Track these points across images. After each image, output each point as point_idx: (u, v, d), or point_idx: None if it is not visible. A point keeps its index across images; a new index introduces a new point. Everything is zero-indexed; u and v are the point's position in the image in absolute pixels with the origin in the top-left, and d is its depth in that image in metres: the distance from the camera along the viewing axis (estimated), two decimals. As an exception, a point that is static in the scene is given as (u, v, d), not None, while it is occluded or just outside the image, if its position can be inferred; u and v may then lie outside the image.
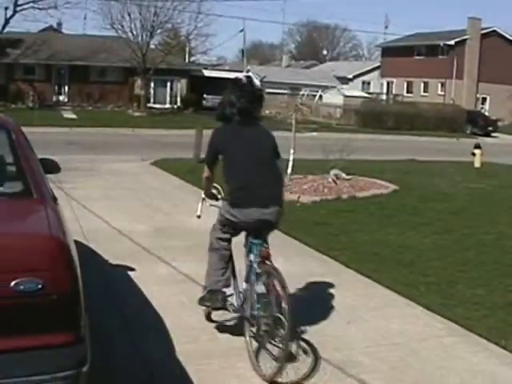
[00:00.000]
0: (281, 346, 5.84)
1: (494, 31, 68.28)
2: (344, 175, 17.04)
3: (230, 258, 7.16)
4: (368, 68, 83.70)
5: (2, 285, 3.93)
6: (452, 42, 66.26)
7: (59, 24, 66.49)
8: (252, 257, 6.64)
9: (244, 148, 6.56)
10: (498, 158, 27.69)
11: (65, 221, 4.96)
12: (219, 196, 7.36)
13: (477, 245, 11.45)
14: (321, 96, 59.71)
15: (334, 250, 10.72)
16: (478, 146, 26.43)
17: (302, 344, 6.49)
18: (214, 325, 7.18)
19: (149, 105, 51.43)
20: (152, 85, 53.55)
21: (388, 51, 76.40)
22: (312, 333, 7.06)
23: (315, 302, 8.12)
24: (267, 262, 6.43)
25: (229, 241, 7.14)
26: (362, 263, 9.93)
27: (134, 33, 50.29)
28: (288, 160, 16.98)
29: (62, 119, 40.50)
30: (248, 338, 6.33)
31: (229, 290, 6.91)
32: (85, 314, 4.34)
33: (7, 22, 47.44)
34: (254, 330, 6.25)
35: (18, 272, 3.98)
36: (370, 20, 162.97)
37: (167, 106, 54.23)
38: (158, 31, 53.25)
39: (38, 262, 4.05)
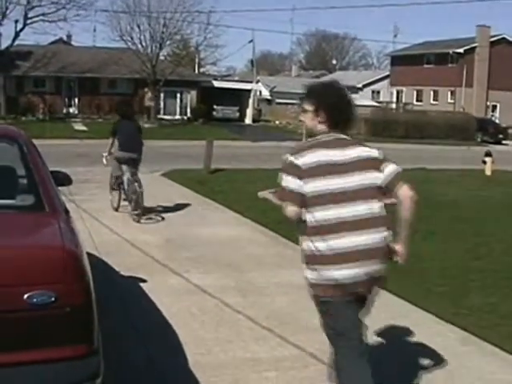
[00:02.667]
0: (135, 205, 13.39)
1: (504, 38, 68.18)
2: (354, 184, 16.99)
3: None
4: (377, 77, 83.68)
5: (15, 298, 3.95)
6: (461, 50, 66.21)
7: (69, 36, 66.88)
8: (128, 174, 13.85)
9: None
10: (509, 165, 27.60)
11: (77, 233, 4.97)
12: None
13: (488, 253, 11.41)
14: (331, 105, 59.72)
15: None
16: (488, 154, 26.35)
17: None
18: (226, 336, 7.17)
19: (159, 116, 51.55)
20: (162, 96, 53.65)
21: (397, 60, 76.38)
22: (325, 342, 7.04)
23: (327, 312, 8.10)
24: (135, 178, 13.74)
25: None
26: (374, 273, 9.89)
27: (144, 44, 50.57)
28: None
29: (73, 131, 40.61)
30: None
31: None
32: (98, 327, 4.34)
33: (17, 34, 47.69)
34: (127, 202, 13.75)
35: (31, 285, 3.99)
36: (379, 29, 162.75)
37: (177, 117, 54.31)
38: (168, 42, 53.55)
39: (50, 275, 4.06)
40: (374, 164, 4.90)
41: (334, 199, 4.69)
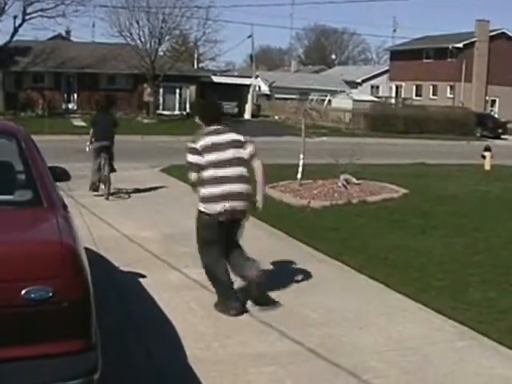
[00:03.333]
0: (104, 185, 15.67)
1: (503, 33, 68.17)
2: (354, 180, 16.99)
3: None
4: (377, 72, 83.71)
5: (12, 293, 3.95)
6: (460, 45, 66.17)
7: (68, 32, 66.70)
8: (102, 159, 15.80)
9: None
10: (508, 160, 27.58)
11: (75, 229, 4.96)
12: None
13: (488, 248, 11.40)
14: (330, 100, 59.70)
15: (344, 254, 10.70)
16: (487, 149, 26.33)
17: None
18: (225, 331, 7.17)
19: (158, 111, 51.51)
20: (161, 91, 53.60)
21: (396, 55, 76.35)
22: (324, 337, 7.05)
23: (327, 308, 8.11)
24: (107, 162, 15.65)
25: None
26: (373, 268, 9.91)
27: (143, 40, 50.49)
28: (298, 165, 16.97)
29: (72, 127, 40.54)
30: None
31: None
32: (95, 322, 4.34)
33: (16, 30, 47.64)
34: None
35: (28, 280, 3.99)
36: (378, 24, 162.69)
37: (176, 112, 54.26)
38: (167, 38, 53.51)
39: (48, 270, 4.06)
40: (240, 144, 7.97)
41: (219, 164, 7.70)
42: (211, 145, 7.78)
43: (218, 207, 7.65)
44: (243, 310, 7.83)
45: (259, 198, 8.06)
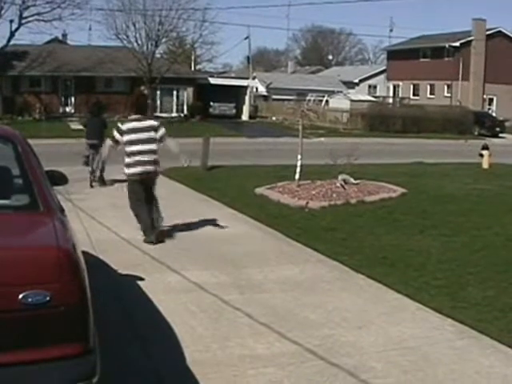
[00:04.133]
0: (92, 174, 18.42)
1: (499, 32, 68.15)
2: (352, 180, 17.00)
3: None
4: (374, 72, 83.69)
5: (10, 298, 3.94)
6: (457, 44, 66.17)
7: (64, 35, 66.63)
8: (91, 154, 18.51)
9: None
10: (506, 158, 27.58)
11: (72, 232, 4.96)
12: None
13: (486, 246, 11.40)
14: (327, 101, 59.67)
15: (343, 254, 10.70)
16: (485, 147, 26.36)
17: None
18: (223, 333, 7.17)
19: (155, 114, 51.42)
20: (158, 94, 53.58)
21: (393, 54, 76.34)
22: (323, 338, 7.05)
23: (326, 308, 8.11)
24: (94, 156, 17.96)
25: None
26: (372, 267, 9.91)
27: (139, 42, 50.47)
28: (296, 166, 16.97)
29: (69, 130, 40.53)
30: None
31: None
32: (93, 326, 4.33)
33: (12, 34, 47.58)
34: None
35: (25, 285, 3.98)
36: (374, 24, 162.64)
37: (174, 114, 54.19)
38: (163, 40, 53.44)
39: (45, 275, 4.05)
40: (154, 128, 11.45)
41: (136, 142, 11.23)
42: (132, 128, 11.41)
43: (135, 170, 11.35)
44: (155, 242, 11.36)
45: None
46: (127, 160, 11.34)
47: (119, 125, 11.56)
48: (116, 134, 11.45)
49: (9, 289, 3.96)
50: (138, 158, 11.24)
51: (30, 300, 3.96)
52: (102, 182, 18.64)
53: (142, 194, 11.51)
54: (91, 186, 18.34)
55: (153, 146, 11.45)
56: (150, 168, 11.42)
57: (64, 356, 4.04)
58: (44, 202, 5.04)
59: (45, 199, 5.09)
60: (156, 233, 11.55)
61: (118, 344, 6.64)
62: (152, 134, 11.42)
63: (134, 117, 11.60)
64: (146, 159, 11.31)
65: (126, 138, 11.30)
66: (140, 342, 6.91)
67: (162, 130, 11.53)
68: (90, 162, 18.72)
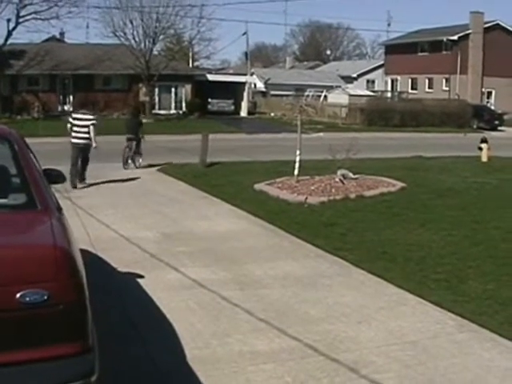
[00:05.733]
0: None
1: (497, 24, 68.06)
2: (351, 174, 16.99)
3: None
4: (372, 66, 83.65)
5: (7, 297, 3.93)
6: (455, 37, 66.09)
7: (62, 34, 66.47)
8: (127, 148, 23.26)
9: None
10: (505, 151, 27.55)
11: (70, 231, 4.95)
12: None
13: (486, 240, 11.39)
14: (326, 96, 59.62)
15: (343, 250, 10.69)
16: (484, 141, 26.30)
17: None
18: (223, 330, 7.16)
19: (154, 111, 51.39)
20: (156, 91, 53.46)
21: (391, 49, 76.27)
22: (323, 333, 7.04)
23: (326, 303, 8.10)
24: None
25: None
26: (372, 262, 9.90)
27: (137, 40, 50.36)
28: (295, 161, 16.95)
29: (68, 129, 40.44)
30: None
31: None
32: (92, 324, 4.32)
33: (10, 33, 47.47)
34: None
35: (23, 284, 3.97)
36: (372, 18, 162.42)
37: (172, 111, 54.12)
38: (161, 37, 53.34)
39: (42, 273, 4.03)
40: (88, 119, 18.20)
41: (77, 127, 18.22)
42: (74, 118, 18.43)
43: (72, 141, 18.18)
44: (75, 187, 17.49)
45: (93, 143, 18.10)
46: (72, 139, 18.44)
47: (69, 117, 19.39)
48: (68, 122, 18.86)
49: (6, 288, 3.95)
50: (74, 135, 18.33)
51: (27, 299, 3.94)
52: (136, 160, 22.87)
53: (76, 157, 18.20)
54: (134, 165, 22.56)
55: (84, 130, 18.12)
56: (80, 142, 18.22)
57: (62, 355, 4.02)
58: (41, 201, 5.03)
59: (42, 198, 5.08)
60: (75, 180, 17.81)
61: (117, 342, 6.63)
62: (87, 125, 18.14)
63: (78, 110, 19.95)
64: (79, 136, 18.18)
65: (72, 123, 18.63)
66: (139, 339, 6.90)
67: (91, 122, 18.20)
68: (127, 152, 22.57)
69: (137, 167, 22.39)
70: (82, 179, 18.23)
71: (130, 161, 22.53)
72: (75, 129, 17.97)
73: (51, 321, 4.02)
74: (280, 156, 22.83)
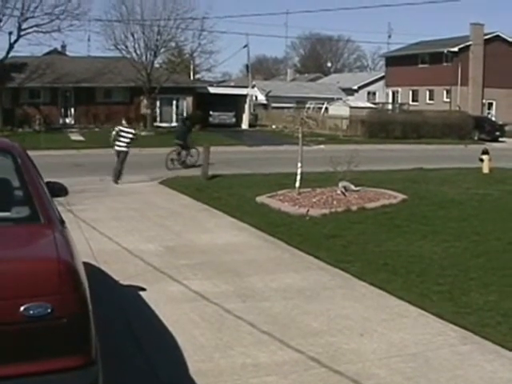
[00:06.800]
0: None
1: (498, 36, 68.18)
2: (353, 187, 17.01)
3: None
4: (373, 78, 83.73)
5: (11, 310, 3.94)
6: (456, 49, 66.19)
7: (63, 46, 66.71)
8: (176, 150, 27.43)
9: None
10: (506, 162, 27.56)
11: (73, 244, 4.96)
12: None
13: (488, 251, 11.39)
14: (327, 108, 59.67)
15: (345, 262, 10.70)
16: (485, 152, 26.30)
17: None
18: (226, 342, 7.16)
19: (155, 124, 51.45)
20: (158, 104, 53.54)
21: (392, 60, 76.39)
22: (326, 345, 7.04)
23: (328, 315, 8.10)
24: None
25: None
26: (374, 274, 9.91)
27: (138, 52, 50.44)
28: (296, 174, 16.97)
29: (70, 141, 40.55)
30: None
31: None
32: (95, 337, 4.33)
33: (12, 46, 47.56)
34: None
35: (26, 297, 3.99)
36: (372, 30, 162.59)
37: (174, 124, 54.05)
38: (162, 50, 53.41)
39: (46, 287, 4.05)
40: (130, 133, 21.64)
41: (121, 137, 21.66)
42: (121, 130, 21.79)
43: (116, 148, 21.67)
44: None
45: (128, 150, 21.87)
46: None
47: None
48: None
49: (10, 301, 3.96)
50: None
51: (31, 312, 3.96)
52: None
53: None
54: (185, 164, 26.45)
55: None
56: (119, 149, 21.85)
57: (66, 368, 4.03)
58: (44, 214, 5.04)
59: (45, 211, 5.09)
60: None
61: (121, 355, 6.64)
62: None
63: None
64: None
65: None
66: (142, 352, 6.91)
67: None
68: (173, 154, 26.42)
69: (188, 165, 26.24)
70: (116, 177, 21.49)
71: (175, 162, 26.29)
72: (120, 138, 21.87)
73: (55, 334, 4.03)
74: (281, 168, 22.84)
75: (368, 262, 10.67)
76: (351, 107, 56.52)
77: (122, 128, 22.49)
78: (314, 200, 16.07)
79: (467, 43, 66.22)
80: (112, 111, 50.99)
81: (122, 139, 22.05)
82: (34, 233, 4.96)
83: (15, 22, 47.22)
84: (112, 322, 7.53)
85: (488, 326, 7.64)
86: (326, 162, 17.22)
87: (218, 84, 74.40)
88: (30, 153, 6.36)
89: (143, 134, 47.29)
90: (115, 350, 6.53)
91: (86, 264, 5.65)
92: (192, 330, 7.57)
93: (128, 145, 22.03)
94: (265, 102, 70.72)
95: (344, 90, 77.79)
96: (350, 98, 70.90)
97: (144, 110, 51.86)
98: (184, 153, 26.84)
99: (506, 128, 55.03)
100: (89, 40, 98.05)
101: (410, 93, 71.76)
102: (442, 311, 8.16)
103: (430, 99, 68.89)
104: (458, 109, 60.83)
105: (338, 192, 16.60)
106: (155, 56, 51.38)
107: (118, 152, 22.01)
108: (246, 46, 68.92)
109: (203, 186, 20.18)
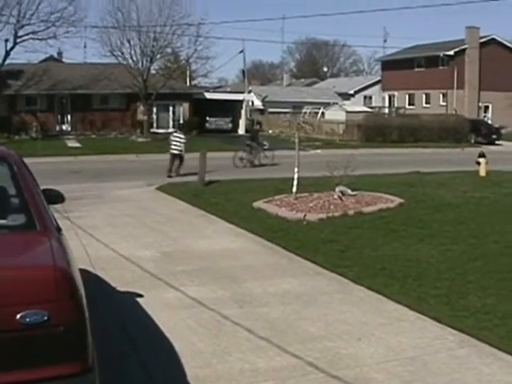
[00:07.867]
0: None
1: (493, 39, 68.30)
2: (349, 191, 17.01)
3: None
4: (369, 82, 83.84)
5: (7, 318, 3.94)
6: (451, 53, 66.29)
7: (59, 53, 66.62)
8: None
9: None
10: (503, 165, 27.60)
11: (69, 251, 4.96)
12: None
13: (485, 254, 11.40)
14: (323, 113, 59.71)
15: (342, 266, 10.70)
16: (482, 155, 26.31)
17: None
18: (224, 348, 7.16)
19: (152, 130, 51.44)
20: (154, 110, 53.56)
21: (388, 65, 76.48)
22: (324, 350, 7.04)
23: (326, 320, 8.10)
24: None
25: None
26: (371, 279, 9.91)
27: (135, 59, 50.44)
28: (293, 178, 16.98)
29: (66, 148, 40.54)
30: None
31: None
32: (92, 344, 4.32)
33: (8, 54, 47.58)
34: None
35: (23, 305, 3.99)
36: (368, 34, 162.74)
37: (170, 130, 54.08)
38: (158, 56, 53.41)
39: (42, 294, 4.05)
40: (181, 138, 26.17)
41: (174, 141, 25.93)
42: (174, 135, 26.59)
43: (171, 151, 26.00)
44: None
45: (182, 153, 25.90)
46: None
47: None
48: None
49: (6, 309, 3.96)
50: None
51: (27, 320, 3.96)
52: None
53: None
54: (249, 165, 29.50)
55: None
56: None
57: (63, 375, 4.03)
58: (41, 222, 5.04)
59: (41, 218, 5.09)
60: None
61: (118, 361, 6.63)
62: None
63: None
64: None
65: None
66: (140, 358, 6.90)
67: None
68: (249, 152, 30.07)
69: (255, 165, 29.82)
70: (178, 173, 25.58)
71: (244, 161, 29.56)
72: (173, 142, 26.15)
73: (51, 341, 4.03)
74: (278, 173, 22.85)
75: (365, 267, 10.67)
76: (347, 112, 56.55)
77: (175, 134, 26.94)
78: (311, 205, 16.08)
79: (463, 47, 66.37)
80: (108, 118, 51.09)
81: (175, 143, 26.22)
82: (30, 240, 4.95)
83: (11, 29, 47.32)
84: (109, 329, 7.52)
85: (485, 329, 7.64)
86: (323, 166, 17.23)
87: (215, 90, 74.38)
88: (27, 160, 6.36)
89: (140, 140, 47.35)
90: (112, 356, 6.51)
91: (83, 271, 5.66)
92: (189, 336, 7.57)
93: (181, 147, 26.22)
94: (261, 107, 70.73)
95: (340, 94, 77.87)
96: (346, 102, 70.99)
97: (140, 117, 51.86)
98: (256, 147, 30.76)
99: (503, 131, 55.10)
100: (85, 47, 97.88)
101: (407, 97, 71.87)
102: (439, 315, 8.16)
103: (426, 103, 69.00)
104: (454, 112, 60.90)
105: (335, 196, 16.60)
106: (151, 62, 51.40)
107: (173, 153, 26.23)
108: (242, 52, 68.73)
109: (200, 191, 20.19)
